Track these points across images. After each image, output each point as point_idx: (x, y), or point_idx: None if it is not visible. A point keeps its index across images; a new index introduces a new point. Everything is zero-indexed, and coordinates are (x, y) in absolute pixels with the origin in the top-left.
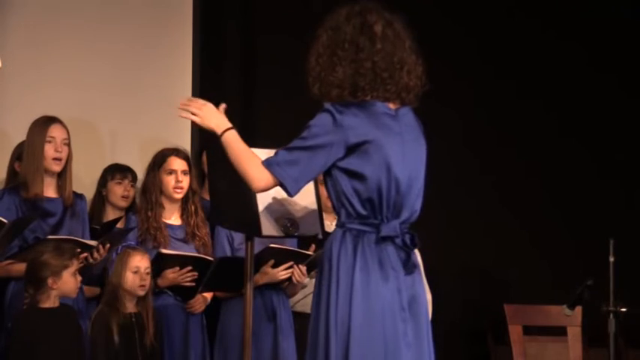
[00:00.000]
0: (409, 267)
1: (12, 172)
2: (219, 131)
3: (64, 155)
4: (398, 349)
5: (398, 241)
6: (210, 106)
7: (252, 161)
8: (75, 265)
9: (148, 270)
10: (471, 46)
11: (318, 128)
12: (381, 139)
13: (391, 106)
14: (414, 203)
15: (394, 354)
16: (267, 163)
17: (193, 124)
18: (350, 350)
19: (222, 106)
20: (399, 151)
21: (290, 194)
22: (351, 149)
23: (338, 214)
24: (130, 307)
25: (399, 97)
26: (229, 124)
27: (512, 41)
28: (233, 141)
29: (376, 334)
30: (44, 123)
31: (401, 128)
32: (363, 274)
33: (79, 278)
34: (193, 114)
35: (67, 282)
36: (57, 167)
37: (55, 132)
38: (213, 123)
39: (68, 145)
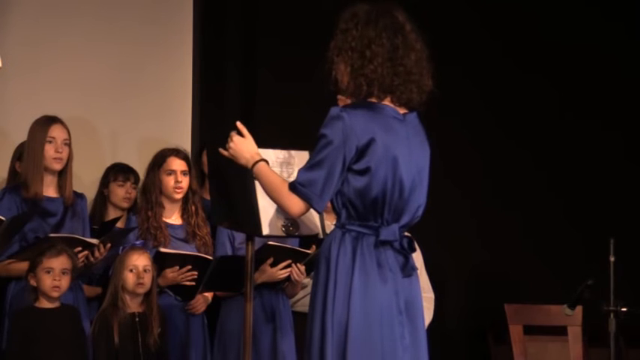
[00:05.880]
0: (407, 270)
1: (13, 172)
2: (249, 165)
3: (64, 155)
4: (395, 351)
5: (396, 244)
6: (238, 139)
7: (283, 190)
8: (51, 263)
9: (147, 268)
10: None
11: (331, 137)
12: (388, 141)
13: (400, 110)
14: (416, 208)
15: (391, 357)
16: (292, 187)
17: (194, 124)
18: (347, 352)
19: (238, 123)
20: (406, 154)
21: (318, 211)
22: (362, 151)
23: (338, 214)
24: (134, 306)
25: (420, 97)
26: (259, 157)
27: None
28: (262, 174)
29: (374, 336)
30: (45, 123)
31: (408, 132)
32: (362, 276)
33: (66, 278)
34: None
35: (41, 279)
36: (58, 166)
37: (56, 132)
38: (243, 159)
39: (69, 145)
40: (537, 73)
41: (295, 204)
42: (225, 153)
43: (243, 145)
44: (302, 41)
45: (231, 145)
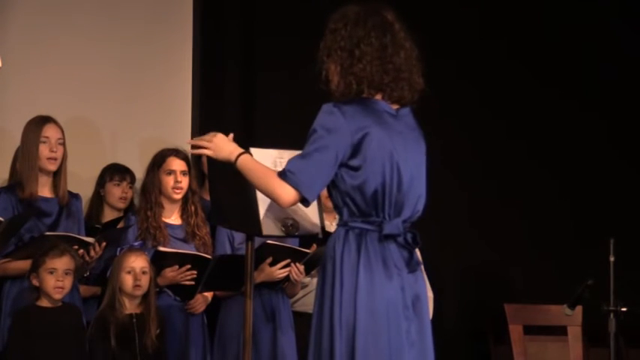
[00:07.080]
0: (412, 265)
1: (14, 173)
2: (232, 158)
3: (58, 155)
4: (401, 347)
5: (400, 239)
6: (219, 135)
7: (272, 178)
8: (54, 263)
9: (145, 270)
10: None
11: (323, 130)
12: (384, 136)
13: (392, 106)
14: (415, 203)
15: (398, 352)
16: (282, 174)
17: (194, 124)
18: (356, 349)
19: (231, 135)
20: (402, 148)
21: (307, 200)
22: (356, 146)
23: (340, 213)
24: (131, 307)
25: (411, 95)
26: (241, 149)
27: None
28: (249, 164)
29: (381, 333)
30: (38, 123)
31: (401, 127)
32: (367, 273)
33: (69, 278)
34: (205, 148)
35: (44, 279)
36: (52, 166)
37: (50, 132)
38: (225, 152)
39: (63, 144)
40: (537, 69)
41: (286, 192)
42: (205, 152)
43: (222, 142)
44: (301, 39)
45: (213, 139)
